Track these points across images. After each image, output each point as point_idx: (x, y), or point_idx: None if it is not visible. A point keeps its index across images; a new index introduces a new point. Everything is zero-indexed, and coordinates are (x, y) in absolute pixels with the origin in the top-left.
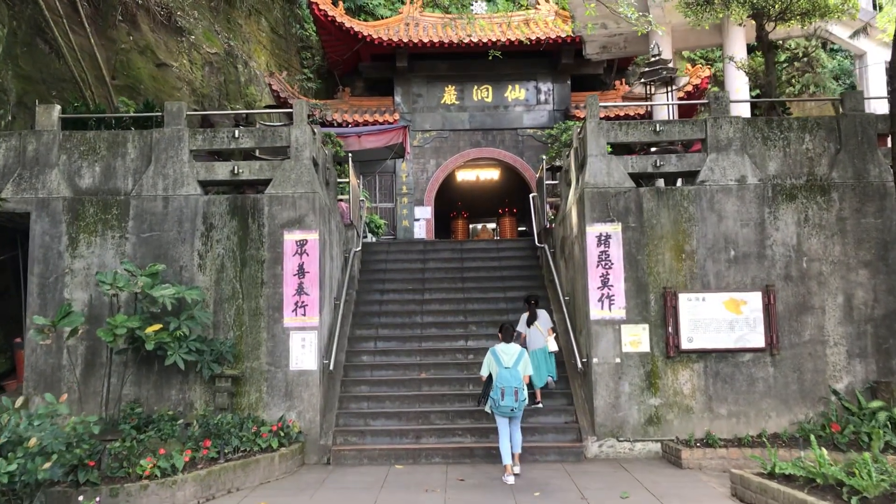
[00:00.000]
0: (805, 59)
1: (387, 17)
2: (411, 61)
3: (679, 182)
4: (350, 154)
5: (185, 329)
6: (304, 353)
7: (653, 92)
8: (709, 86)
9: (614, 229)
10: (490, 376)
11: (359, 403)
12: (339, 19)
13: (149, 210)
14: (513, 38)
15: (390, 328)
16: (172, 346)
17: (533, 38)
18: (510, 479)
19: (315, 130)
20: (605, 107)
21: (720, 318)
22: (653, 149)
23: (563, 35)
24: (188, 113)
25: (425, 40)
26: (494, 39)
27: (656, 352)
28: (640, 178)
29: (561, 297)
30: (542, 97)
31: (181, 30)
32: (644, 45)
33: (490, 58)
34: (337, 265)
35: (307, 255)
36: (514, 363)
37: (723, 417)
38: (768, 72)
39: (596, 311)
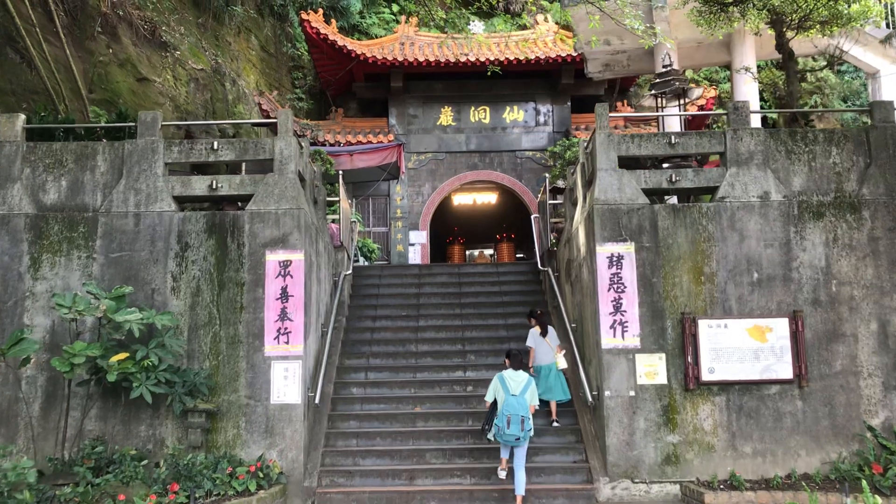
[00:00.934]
0: (813, 73)
1: (381, 37)
2: (406, 81)
3: (690, 199)
4: (341, 173)
5: (153, 358)
6: (286, 384)
7: (664, 105)
8: (714, 107)
9: (627, 249)
10: (495, 402)
11: (347, 440)
12: (331, 37)
13: (119, 228)
14: (511, 57)
15: (382, 357)
16: (139, 377)
17: (532, 56)
18: (503, 475)
19: (302, 144)
20: (616, 117)
21: (744, 347)
22: (665, 164)
23: (564, 54)
24: (164, 123)
25: (421, 59)
26: (492, 58)
27: (674, 384)
28: (651, 195)
29: (567, 324)
30: (542, 118)
31: (165, 45)
32: (648, 63)
33: (489, 74)
34: (325, 289)
35: (291, 276)
36: (522, 391)
37: (747, 456)
38: (789, 81)
39: (608, 340)
